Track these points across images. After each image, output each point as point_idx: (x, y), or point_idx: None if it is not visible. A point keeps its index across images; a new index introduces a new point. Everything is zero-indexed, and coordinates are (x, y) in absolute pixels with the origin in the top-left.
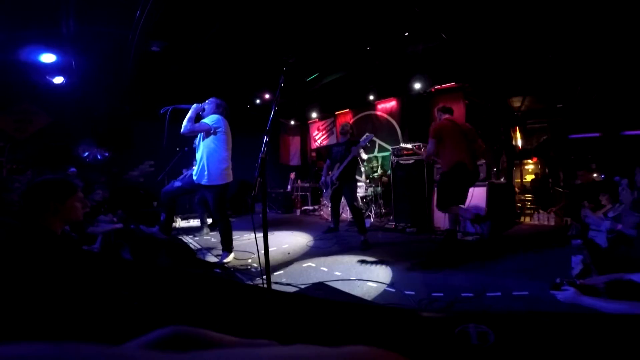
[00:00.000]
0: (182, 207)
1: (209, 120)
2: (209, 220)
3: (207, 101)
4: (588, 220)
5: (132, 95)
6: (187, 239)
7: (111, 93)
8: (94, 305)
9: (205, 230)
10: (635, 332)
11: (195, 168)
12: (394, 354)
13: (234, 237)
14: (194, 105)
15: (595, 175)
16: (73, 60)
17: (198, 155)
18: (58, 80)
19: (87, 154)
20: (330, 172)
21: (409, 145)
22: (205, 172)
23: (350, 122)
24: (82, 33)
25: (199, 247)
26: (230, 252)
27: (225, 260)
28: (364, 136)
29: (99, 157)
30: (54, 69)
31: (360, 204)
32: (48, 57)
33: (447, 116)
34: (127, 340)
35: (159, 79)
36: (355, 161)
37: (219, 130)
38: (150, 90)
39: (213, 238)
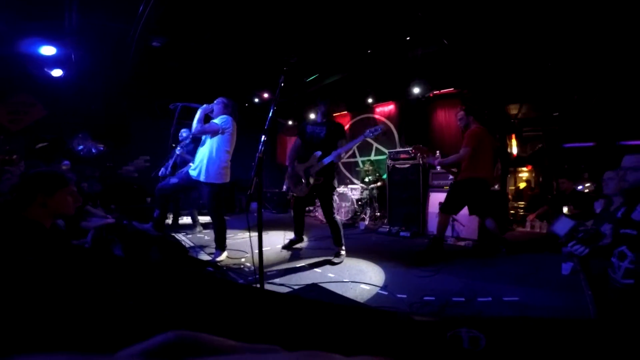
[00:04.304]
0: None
1: (219, 120)
2: (202, 219)
3: (215, 101)
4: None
5: (130, 89)
6: (180, 236)
7: (109, 87)
8: (82, 304)
9: (199, 228)
10: (624, 337)
11: (193, 164)
12: None
13: (228, 235)
14: (203, 106)
15: (583, 186)
16: (73, 53)
17: (200, 152)
18: (57, 73)
19: (81, 147)
20: (299, 162)
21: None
22: (204, 169)
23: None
24: (84, 26)
25: (191, 244)
26: (224, 250)
27: (218, 259)
28: (373, 127)
29: (93, 151)
30: (53, 62)
31: (337, 216)
32: (48, 50)
33: (478, 124)
34: (117, 345)
35: (158, 75)
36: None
37: (227, 130)
38: (148, 85)
39: (206, 236)
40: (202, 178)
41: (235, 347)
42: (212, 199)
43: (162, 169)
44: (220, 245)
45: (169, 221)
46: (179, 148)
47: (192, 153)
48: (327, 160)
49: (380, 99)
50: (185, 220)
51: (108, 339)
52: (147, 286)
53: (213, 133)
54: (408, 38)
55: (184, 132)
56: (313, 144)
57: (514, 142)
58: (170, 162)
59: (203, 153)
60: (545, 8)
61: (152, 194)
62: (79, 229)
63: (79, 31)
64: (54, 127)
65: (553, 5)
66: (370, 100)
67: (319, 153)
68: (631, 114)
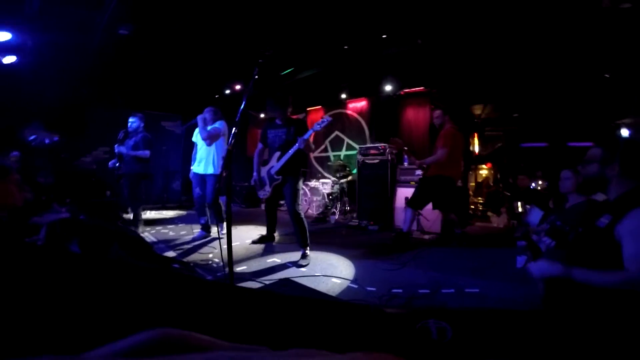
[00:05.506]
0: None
1: (219, 125)
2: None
3: (205, 110)
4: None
5: (91, 78)
6: (146, 232)
7: (68, 75)
8: (36, 304)
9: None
10: (579, 327)
11: (199, 164)
12: (390, 356)
13: (193, 230)
14: (199, 117)
15: (536, 184)
16: (30, 39)
17: (204, 151)
18: (9, 59)
19: (33, 137)
20: (263, 167)
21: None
22: (211, 164)
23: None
24: (45, 11)
25: (154, 240)
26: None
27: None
28: (321, 119)
29: (46, 142)
30: (6, 48)
31: (301, 209)
32: (2, 36)
33: (452, 123)
34: (82, 345)
35: (123, 63)
36: (304, 151)
37: (225, 133)
38: (112, 74)
39: (171, 232)
40: (209, 171)
41: (222, 346)
42: (216, 187)
43: (112, 161)
44: (219, 219)
45: (130, 216)
46: (118, 141)
47: (140, 146)
48: (284, 159)
49: (354, 95)
50: (148, 214)
51: (69, 339)
52: (108, 284)
53: (216, 136)
54: (385, 36)
55: (131, 120)
56: (275, 147)
57: (476, 140)
58: (117, 153)
59: (207, 152)
60: (512, 16)
61: (111, 188)
62: (29, 225)
63: (39, 16)
64: (4, 116)
65: (518, 14)
66: (343, 96)
67: (278, 154)
68: (581, 117)
